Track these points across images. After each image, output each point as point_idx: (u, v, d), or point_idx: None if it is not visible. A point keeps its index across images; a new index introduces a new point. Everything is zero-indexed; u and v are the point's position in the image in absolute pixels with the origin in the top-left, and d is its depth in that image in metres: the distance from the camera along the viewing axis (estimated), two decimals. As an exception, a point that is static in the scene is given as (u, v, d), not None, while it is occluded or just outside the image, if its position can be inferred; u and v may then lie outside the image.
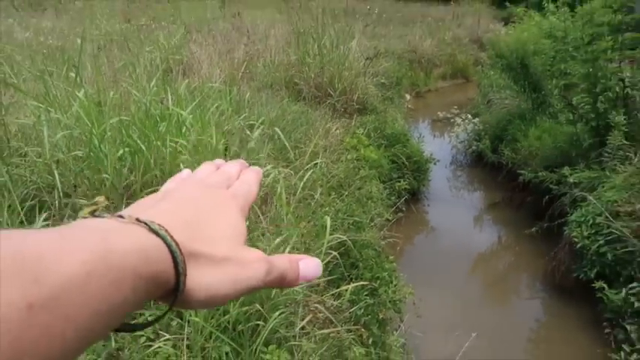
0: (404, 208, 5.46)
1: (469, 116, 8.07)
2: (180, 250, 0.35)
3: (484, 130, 7.53)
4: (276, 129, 3.33)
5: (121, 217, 0.35)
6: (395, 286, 3.34)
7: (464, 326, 4.05)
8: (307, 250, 2.55)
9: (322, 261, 2.70)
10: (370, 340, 2.87)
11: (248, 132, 3.26)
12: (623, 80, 5.41)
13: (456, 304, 4.62)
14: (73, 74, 3.33)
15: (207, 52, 6.12)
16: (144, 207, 0.40)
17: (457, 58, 12.68)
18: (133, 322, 0.37)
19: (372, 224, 3.98)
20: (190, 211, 0.41)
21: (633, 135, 5.18)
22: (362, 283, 2.91)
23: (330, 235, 2.84)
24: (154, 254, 0.33)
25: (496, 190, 6.68)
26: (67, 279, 0.26)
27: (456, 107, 8.63)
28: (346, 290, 2.84)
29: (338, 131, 5.27)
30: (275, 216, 2.68)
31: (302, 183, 3.18)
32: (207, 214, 0.41)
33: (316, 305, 2.43)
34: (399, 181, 5.49)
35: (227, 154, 3.12)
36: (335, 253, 2.74)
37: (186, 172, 0.52)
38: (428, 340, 3.85)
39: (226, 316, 2.07)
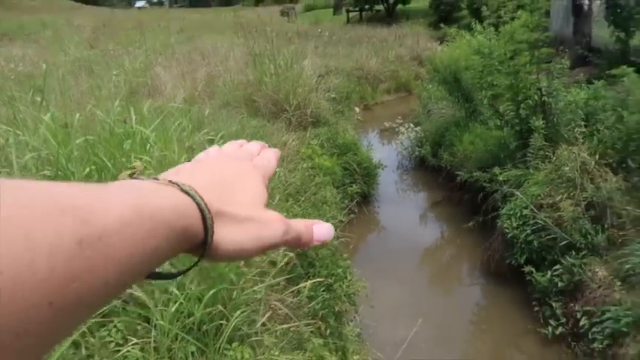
0: (356, 210, 5.50)
1: (412, 125, 8.21)
2: (207, 208, 0.36)
3: (425, 137, 7.67)
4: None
5: (155, 179, 0.37)
6: (349, 281, 3.35)
7: (414, 313, 4.11)
8: (264, 253, 2.52)
9: (280, 262, 2.68)
10: (328, 332, 2.87)
11: (207, 146, 3.22)
12: (540, 90, 5.62)
13: (406, 294, 4.68)
14: (39, 98, 3.21)
15: (171, 74, 6.02)
16: (176, 172, 0.42)
17: (400, 74, 12.86)
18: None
19: (328, 226, 3.98)
20: (217, 177, 0.42)
21: (551, 137, 5.39)
22: (318, 280, 2.90)
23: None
24: (184, 210, 0.35)
25: (437, 190, 6.82)
26: (109, 223, 0.28)
27: (400, 118, 8.76)
28: (304, 287, 2.83)
29: (294, 143, 5.27)
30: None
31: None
32: (232, 180, 0.43)
33: (275, 303, 2.41)
34: (351, 186, 5.53)
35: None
36: (291, 254, 2.73)
37: (214, 147, 0.53)
38: (381, 328, 3.88)
39: (191, 318, 2.03)
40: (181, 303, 2.02)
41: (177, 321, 2.00)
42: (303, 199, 4.05)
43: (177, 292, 2.01)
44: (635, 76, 5.13)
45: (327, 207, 4.30)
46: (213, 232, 0.36)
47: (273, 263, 2.66)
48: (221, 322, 2.11)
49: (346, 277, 3.32)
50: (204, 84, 6.24)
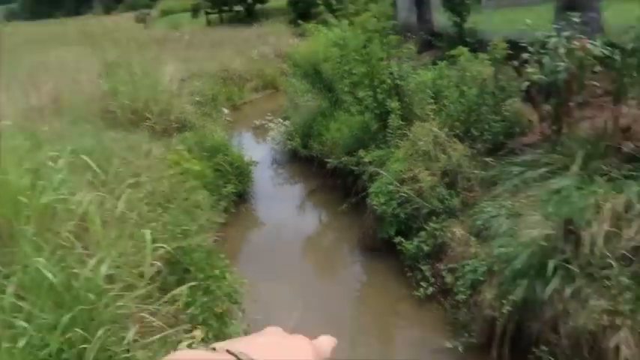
0: (234, 210, 5.45)
1: (281, 120, 8.34)
2: None
3: (295, 130, 7.83)
4: (84, 156, 3.08)
5: (213, 349, 0.39)
6: (228, 280, 3.31)
7: (301, 300, 4.21)
8: (126, 264, 2.40)
9: (149, 273, 2.57)
10: (211, 335, 2.81)
11: (52, 164, 2.96)
12: (392, 74, 6.03)
13: (293, 283, 4.75)
14: None
15: (8, 93, 5.41)
16: (236, 341, 0.43)
17: (265, 72, 12.96)
18: None
19: (202, 229, 3.90)
20: (275, 348, 0.44)
21: (406, 116, 5.82)
22: (192, 284, 2.83)
23: (155, 247, 2.73)
24: None
25: (312, 179, 7.01)
26: None
27: (269, 114, 8.85)
28: (180, 295, 2.75)
29: (159, 150, 5.06)
30: (90, 240, 2.48)
31: (121, 204, 2.99)
32: (288, 353, 0.45)
33: (143, 315, 2.30)
34: (226, 187, 5.46)
35: (35, 190, 2.79)
36: (159, 263, 2.63)
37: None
38: (270, 321, 3.89)
39: (46, 350, 1.86)
40: (32, 335, 1.84)
41: (30, 355, 1.82)
42: (173, 206, 3.91)
43: (24, 324, 1.83)
44: (469, 55, 5.74)
45: (200, 211, 4.20)
46: None
47: (142, 275, 2.54)
48: (84, 346, 1.96)
49: (225, 277, 3.28)
50: (51, 100, 5.71)
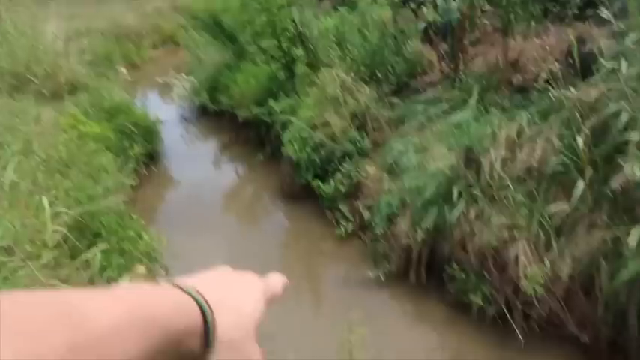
0: (145, 172, 5.15)
1: (185, 76, 7.90)
2: (209, 306, 0.37)
3: (201, 85, 7.48)
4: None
5: (157, 283, 0.39)
6: (145, 240, 3.15)
7: (227, 254, 4.14)
8: (24, 235, 2.17)
9: (53, 240, 2.35)
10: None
11: None
12: (294, 22, 5.88)
13: (216, 236, 4.63)
14: None
15: None
16: (183, 277, 0.42)
17: (163, 27, 12.12)
18: None
19: (110, 192, 3.64)
20: (224, 283, 0.43)
21: (312, 63, 5.75)
22: (104, 246, 2.64)
23: (57, 214, 2.50)
24: (184, 309, 0.36)
25: (224, 133, 6.80)
26: (106, 327, 0.29)
27: (173, 71, 8.34)
28: (94, 258, 2.56)
29: (50, 115, 4.58)
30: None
31: (10, 173, 2.68)
32: (237, 287, 0.44)
33: (53, 282, 2.12)
34: (133, 148, 5.12)
35: None
36: (63, 229, 2.41)
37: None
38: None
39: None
40: None
41: None
42: (74, 171, 3.60)
43: None
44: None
45: (105, 174, 3.90)
46: (215, 329, 0.37)
47: (45, 244, 2.32)
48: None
49: (140, 237, 3.11)
50: None
